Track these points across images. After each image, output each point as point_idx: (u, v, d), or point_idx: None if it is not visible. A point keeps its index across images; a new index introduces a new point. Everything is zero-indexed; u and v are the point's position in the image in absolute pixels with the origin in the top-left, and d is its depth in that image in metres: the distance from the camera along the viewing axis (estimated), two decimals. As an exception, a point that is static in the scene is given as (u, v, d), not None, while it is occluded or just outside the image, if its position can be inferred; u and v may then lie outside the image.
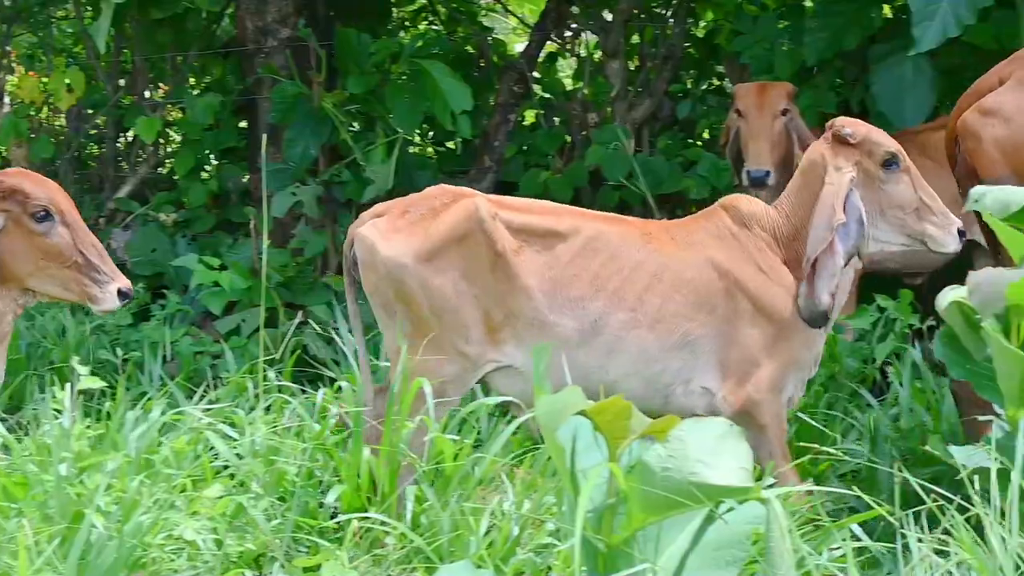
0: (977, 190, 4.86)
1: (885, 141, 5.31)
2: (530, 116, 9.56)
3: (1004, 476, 4.16)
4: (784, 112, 7.34)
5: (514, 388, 5.21)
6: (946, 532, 3.95)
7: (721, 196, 8.24)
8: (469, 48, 9.59)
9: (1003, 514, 3.95)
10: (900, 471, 4.82)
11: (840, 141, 5.27)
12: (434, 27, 10.01)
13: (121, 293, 4.84)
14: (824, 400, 6.38)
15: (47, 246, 4.81)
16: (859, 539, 4.57)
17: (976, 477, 4.14)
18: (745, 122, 7.36)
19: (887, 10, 8.42)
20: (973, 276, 4.57)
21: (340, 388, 5.68)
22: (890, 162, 5.27)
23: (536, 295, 5.16)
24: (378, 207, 5.38)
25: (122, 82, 9.77)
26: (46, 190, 4.86)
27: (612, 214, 5.61)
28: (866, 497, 4.27)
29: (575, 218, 5.35)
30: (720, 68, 9.39)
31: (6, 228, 4.79)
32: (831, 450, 5.40)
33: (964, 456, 4.67)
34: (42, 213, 4.80)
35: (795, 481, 5.05)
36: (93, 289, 4.82)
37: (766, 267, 5.30)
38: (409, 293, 5.15)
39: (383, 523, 4.83)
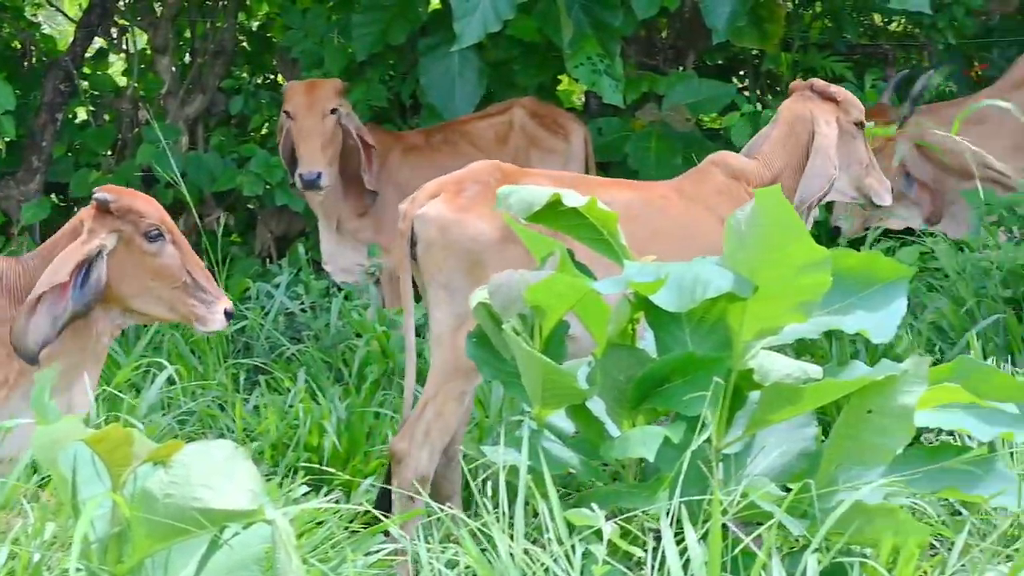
0: (504, 190, 4.87)
1: (858, 103, 5.80)
2: (82, 114, 9.28)
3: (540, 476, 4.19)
4: (333, 110, 7.29)
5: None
6: (456, 541, 3.95)
7: (274, 192, 8.27)
8: (17, 44, 9.24)
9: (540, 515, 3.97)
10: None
11: (825, 97, 5.69)
12: (-22, 24, 9.64)
13: (227, 313, 4.78)
14: (378, 398, 6.37)
15: (158, 266, 4.74)
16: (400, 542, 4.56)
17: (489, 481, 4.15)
18: (295, 123, 7.29)
19: (435, 2, 8.47)
20: (495, 277, 4.58)
21: None
22: (861, 122, 5.77)
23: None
24: (429, 187, 5.36)
25: None
26: (156, 209, 4.78)
27: (628, 180, 5.92)
28: (372, 509, 4.21)
29: (607, 188, 5.52)
30: (275, 62, 9.31)
31: (115, 248, 4.67)
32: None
33: (496, 455, 4.69)
34: (155, 232, 4.72)
35: None
36: (200, 309, 4.76)
37: None
38: (484, 269, 5.12)
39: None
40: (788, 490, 4.21)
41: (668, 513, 3.84)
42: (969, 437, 4.87)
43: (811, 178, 5.58)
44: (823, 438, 4.64)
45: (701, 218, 5.58)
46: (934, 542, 4.67)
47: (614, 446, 4.41)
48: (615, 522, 3.85)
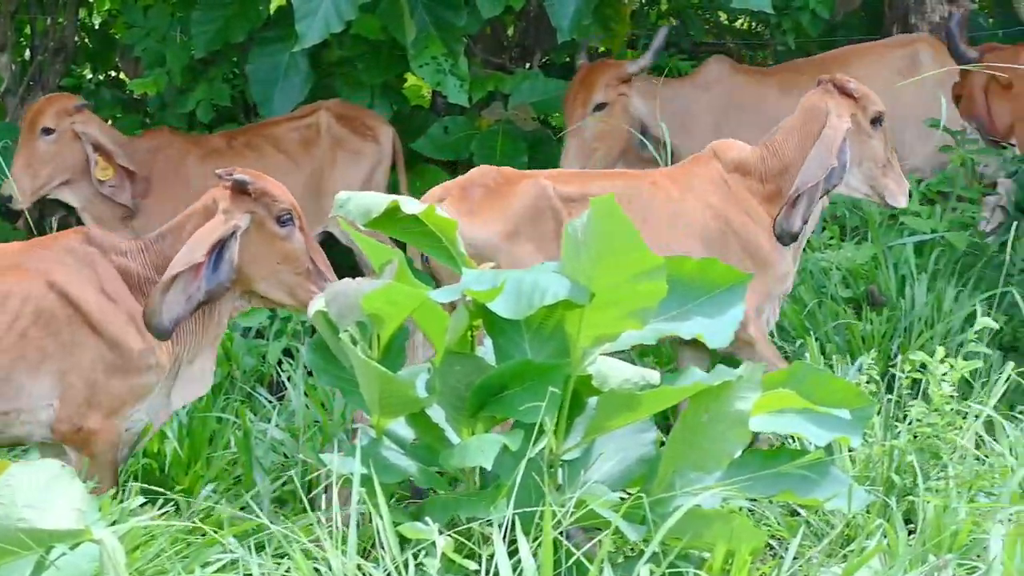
0: (341, 196, 4.83)
1: (878, 100, 5.85)
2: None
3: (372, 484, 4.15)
4: (47, 130, 7.20)
5: None
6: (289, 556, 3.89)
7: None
8: None
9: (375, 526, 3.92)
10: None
11: (844, 93, 5.75)
12: None
13: None
14: (220, 402, 6.29)
15: (287, 250, 4.86)
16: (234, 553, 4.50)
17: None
18: None
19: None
20: (332, 286, 4.54)
21: None
22: (877, 120, 5.82)
23: None
24: (435, 192, 5.51)
25: None
26: (287, 194, 4.88)
27: (618, 170, 6.12)
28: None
29: (597, 179, 5.71)
30: (117, 60, 9.20)
31: (247, 230, 4.76)
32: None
33: (332, 462, 4.63)
34: (286, 217, 4.83)
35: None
36: None
37: (750, 210, 5.68)
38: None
39: None
40: (630, 495, 4.23)
41: (502, 524, 3.82)
42: (807, 442, 4.91)
43: (808, 167, 5.61)
44: (664, 442, 4.66)
45: (691, 205, 5.66)
46: (772, 543, 4.72)
47: (453, 454, 4.39)
48: (448, 535, 3.82)
